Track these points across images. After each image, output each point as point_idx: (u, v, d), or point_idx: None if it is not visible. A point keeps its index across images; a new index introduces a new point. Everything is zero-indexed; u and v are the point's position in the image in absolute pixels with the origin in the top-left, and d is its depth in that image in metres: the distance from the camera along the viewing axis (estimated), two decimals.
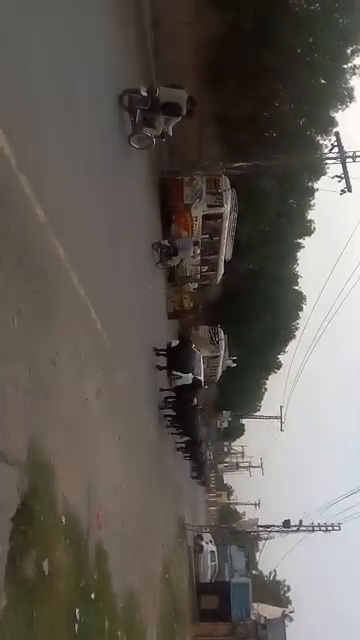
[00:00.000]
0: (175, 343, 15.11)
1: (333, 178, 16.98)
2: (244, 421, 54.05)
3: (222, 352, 26.91)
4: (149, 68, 16.01)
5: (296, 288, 32.63)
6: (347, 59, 19.54)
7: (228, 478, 77.34)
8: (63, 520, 4.85)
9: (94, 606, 5.67)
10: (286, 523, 25.79)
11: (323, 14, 18.37)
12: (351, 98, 20.44)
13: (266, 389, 44.52)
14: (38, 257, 4.76)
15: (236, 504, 74.02)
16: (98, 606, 5.85)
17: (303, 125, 20.85)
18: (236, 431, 56.10)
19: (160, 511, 13.19)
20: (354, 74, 20.03)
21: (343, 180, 16.64)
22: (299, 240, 29.21)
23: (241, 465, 64.04)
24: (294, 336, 34.24)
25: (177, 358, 14.28)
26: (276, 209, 23.59)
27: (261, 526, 28.63)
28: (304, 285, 33.06)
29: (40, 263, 4.79)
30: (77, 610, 5.04)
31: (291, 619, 38.65)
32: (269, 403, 46.25)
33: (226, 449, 65.40)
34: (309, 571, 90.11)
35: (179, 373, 14.34)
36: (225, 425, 47.21)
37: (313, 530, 25.48)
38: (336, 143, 16.88)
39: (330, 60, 19.09)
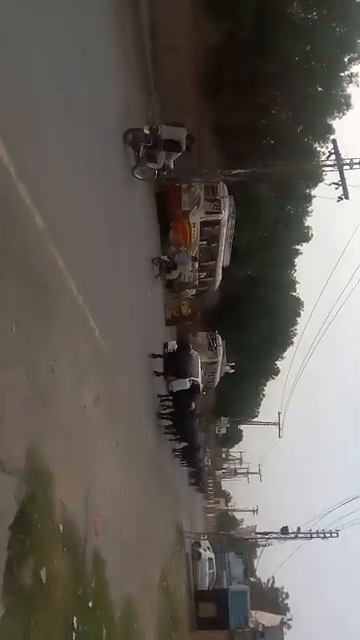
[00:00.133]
0: (172, 345, 15.11)
1: (330, 185, 17.10)
2: (242, 427, 54.02)
3: (220, 358, 26.86)
4: (148, 78, 16.11)
5: (294, 294, 32.74)
6: (344, 67, 19.74)
7: (226, 484, 77.06)
8: (61, 528, 4.84)
9: (92, 614, 5.64)
10: (284, 530, 25.64)
11: (320, 22, 18.57)
12: (348, 106, 20.65)
13: (264, 395, 44.57)
14: (38, 268, 4.79)
15: (234, 511, 73.53)
16: (96, 614, 5.82)
17: (300, 132, 21.02)
18: (234, 437, 56.03)
19: (158, 518, 13.14)
20: (351, 82, 20.26)
21: (340, 187, 16.76)
22: (297, 246, 29.37)
23: (239, 471, 63.86)
24: (292, 342, 34.41)
25: (175, 362, 14.29)
26: (274, 216, 23.71)
27: (259, 533, 28.44)
28: (302, 291, 33.26)
29: (39, 273, 4.82)
30: (74, 618, 5.02)
31: (289, 627, 38.47)
32: (267, 409, 46.30)
33: (224, 455, 65.27)
34: (307, 578, 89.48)
35: (174, 377, 14.34)
36: (223, 431, 47.15)
37: (311, 537, 25.34)
38: (333, 150, 17.00)
39: (327, 68, 19.28)
